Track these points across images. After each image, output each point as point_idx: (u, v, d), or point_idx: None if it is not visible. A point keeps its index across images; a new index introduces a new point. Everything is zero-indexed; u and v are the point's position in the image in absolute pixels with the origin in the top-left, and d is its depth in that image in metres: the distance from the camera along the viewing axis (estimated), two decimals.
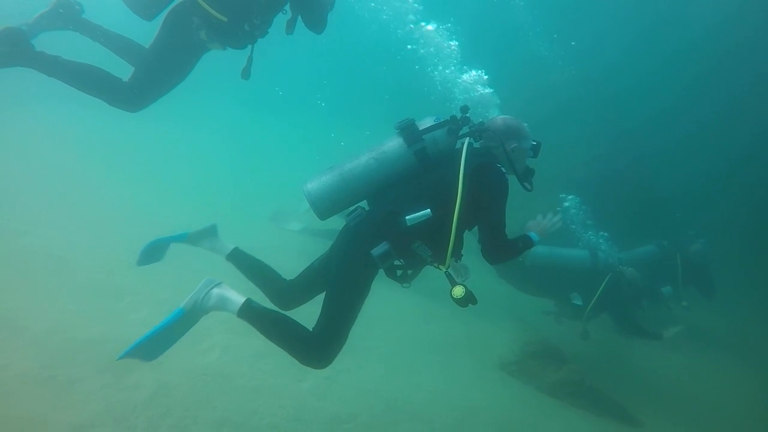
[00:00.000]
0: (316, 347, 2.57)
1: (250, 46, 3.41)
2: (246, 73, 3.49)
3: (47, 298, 4.06)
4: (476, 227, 2.74)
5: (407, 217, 2.52)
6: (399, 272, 2.72)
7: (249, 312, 2.61)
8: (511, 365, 5.18)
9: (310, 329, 2.59)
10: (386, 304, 6.55)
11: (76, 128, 9.51)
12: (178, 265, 3.72)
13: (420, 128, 2.72)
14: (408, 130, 2.72)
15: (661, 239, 7.36)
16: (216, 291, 2.67)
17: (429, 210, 2.52)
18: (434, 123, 2.75)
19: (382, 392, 4.29)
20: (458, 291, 2.53)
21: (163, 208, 7.36)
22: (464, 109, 2.84)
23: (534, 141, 2.93)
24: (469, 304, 2.54)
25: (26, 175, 6.82)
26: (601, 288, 5.68)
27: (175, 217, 6.44)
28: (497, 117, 2.96)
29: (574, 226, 7.71)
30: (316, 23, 3.43)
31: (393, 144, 2.71)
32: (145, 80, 3.10)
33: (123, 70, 3.16)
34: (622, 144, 9.67)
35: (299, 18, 3.43)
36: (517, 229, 2.97)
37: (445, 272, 2.62)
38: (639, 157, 9.63)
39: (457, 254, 2.67)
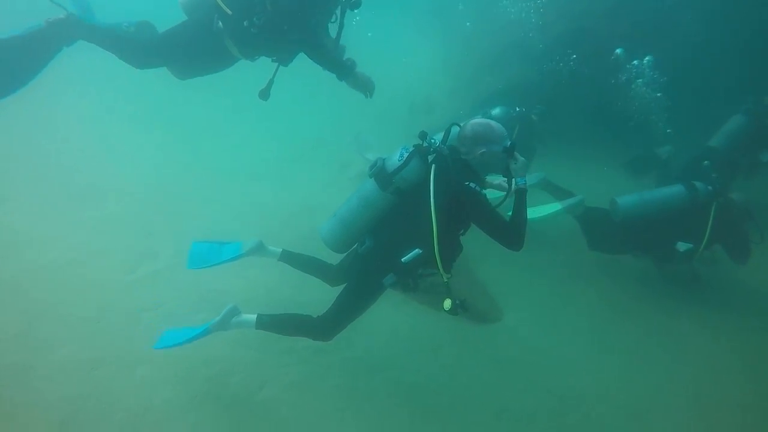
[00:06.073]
0: (322, 330, 3.33)
1: (273, 68, 3.86)
2: (264, 94, 3.91)
3: None
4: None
5: (402, 260, 3.05)
6: (409, 287, 3.25)
7: (262, 324, 3.38)
8: None
9: (314, 316, 3.34)
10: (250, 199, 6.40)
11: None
12: None
13: (389, 170, 3.03)
14: (379, 176, 3.06)
15: (744, 104, 6.33)
16: (235, 319, 3.40)
17: (418, 249, 3.01)
18: (399, 161, 3.01)
19: (206, 284, 4.48)
20: (447, 303, 2.97)
21: None
22: (422, 135, 3.10)
23: (508, 142, 3.03)
24: (459, 313, 2.96)
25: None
26: (710, 222, 5.10)
27: None
28: (467, 124, 3.11)
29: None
30: (324, 64, 3.67)
31: (370, 189, 3.10)
32: (161, 42, 3.54)
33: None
34: None
35: None
36: None
37: (445, 282, 3.05)
38: None
39: (454, 259, 3.15)
